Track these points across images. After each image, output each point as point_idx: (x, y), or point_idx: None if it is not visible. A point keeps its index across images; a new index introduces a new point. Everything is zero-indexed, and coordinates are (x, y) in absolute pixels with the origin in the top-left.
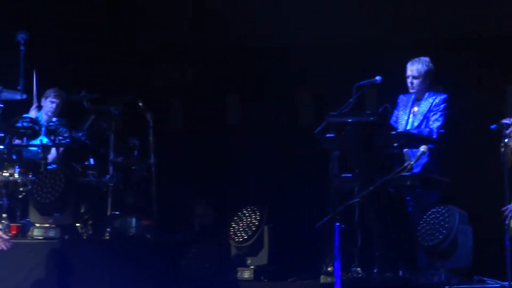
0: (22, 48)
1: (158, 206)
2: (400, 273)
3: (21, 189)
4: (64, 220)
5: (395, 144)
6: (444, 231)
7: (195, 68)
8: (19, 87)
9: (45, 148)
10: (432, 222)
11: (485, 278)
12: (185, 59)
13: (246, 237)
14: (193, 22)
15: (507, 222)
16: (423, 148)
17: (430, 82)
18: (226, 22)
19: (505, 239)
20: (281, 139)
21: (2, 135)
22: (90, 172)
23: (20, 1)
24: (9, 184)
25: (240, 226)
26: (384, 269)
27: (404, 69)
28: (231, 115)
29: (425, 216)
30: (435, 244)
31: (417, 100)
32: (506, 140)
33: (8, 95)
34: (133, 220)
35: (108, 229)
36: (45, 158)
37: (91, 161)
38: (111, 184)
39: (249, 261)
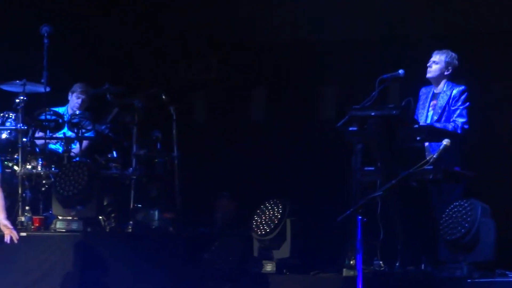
0: (45, 41)
1: (181, 199)
2: (422, 266)
3: (44, 181)
4: (87, 213)
5: (418, 138)
6: (466, 225)
7: (219, 61)
8: (42, 80)
9: (68, 141)
10: (454, 215)
11: (507, 272)
12: (210, 52)
13: (268, 230)
14: (219, 16)
15: None
16: (446, 141)
17: (449, 74)
18: (252, 17)
19: None
20: (304, 132)
21: (25, 127)
22: (113, 165)
23: None
24: (32, 177)
25: (263, 219)
26: (406, 263)
27: (427, 63)
28: (255, 109)
29: (447, 210)
30: (457, 237)
31: (436, 93)
32: None
33: (31, 88)
34: (156, 213)
35: (131, 222)
36: (68, 151)
37: (114, 154)
38: (134, 177)
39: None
